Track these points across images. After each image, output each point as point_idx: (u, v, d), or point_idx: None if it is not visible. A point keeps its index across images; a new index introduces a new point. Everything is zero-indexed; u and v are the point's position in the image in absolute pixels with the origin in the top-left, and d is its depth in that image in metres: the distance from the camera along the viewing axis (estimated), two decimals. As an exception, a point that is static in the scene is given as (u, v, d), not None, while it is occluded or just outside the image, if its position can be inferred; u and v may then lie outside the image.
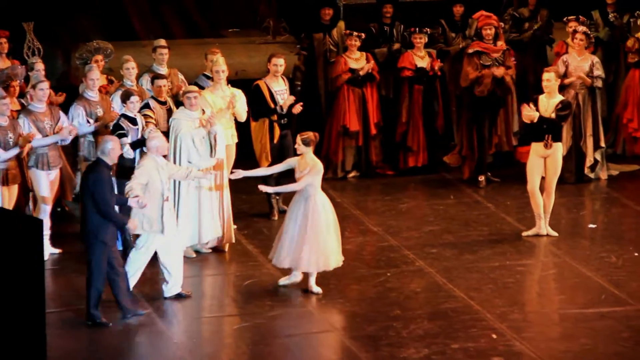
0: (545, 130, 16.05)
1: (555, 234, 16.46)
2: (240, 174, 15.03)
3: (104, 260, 14.31)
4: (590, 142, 18.61)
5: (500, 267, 15.80)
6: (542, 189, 16.36)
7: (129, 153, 16.07)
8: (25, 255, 11.48)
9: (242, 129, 17.22)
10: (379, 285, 15.44)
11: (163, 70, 17.46)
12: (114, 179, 15.76)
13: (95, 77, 16.67)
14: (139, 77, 17.41)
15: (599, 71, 18.61)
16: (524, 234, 16.58)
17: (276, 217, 17.48)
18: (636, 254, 16.05)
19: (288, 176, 15.31)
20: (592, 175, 18.72)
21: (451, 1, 19.92)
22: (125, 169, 15.99)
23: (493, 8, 19.82)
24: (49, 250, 16.04)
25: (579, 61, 18.56)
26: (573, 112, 16.83)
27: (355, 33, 18.76)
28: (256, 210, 17.77)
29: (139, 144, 16.09)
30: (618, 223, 17.22)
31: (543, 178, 16.39)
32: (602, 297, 14.87)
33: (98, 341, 14.14)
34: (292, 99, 17.15)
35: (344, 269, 15.70)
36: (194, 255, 16.19)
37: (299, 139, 14.78)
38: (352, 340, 14.08)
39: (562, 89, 18.44)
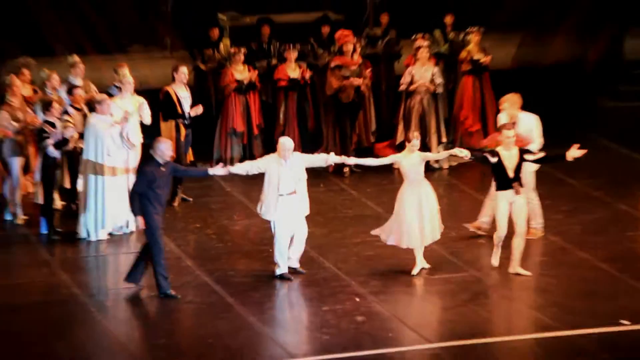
0: (512, 179, 14.76)
1: (527, 273, 14.94)
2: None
3: (159, 239, 14.13)
4: (434, 138, 18.78)
5: (362, 243, 15.93)
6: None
7: (52, 152, 16.06)
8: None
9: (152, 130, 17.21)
10: (263, 259, 15.45)
11: (78, 81, 17.38)
12: (39, 171, 15.85)
13: (16, 85, 16.62)
14: (58, 88, 17.32)
15: (439, 79, 18.76)
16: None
17: (177, 204, 17.45)
18: (466, 225, 16.24)
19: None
20: (436, 166, 18.78)
21: (319, 22, 19.94)
22: (48, 165, 16.12)
23: (352, 27, 19.80)
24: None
25: (423, 71, 18.67)
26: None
27: (240, 49, 18.74)
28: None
29: (60, 144, 16.07)
30: (457, 205, 17.41)
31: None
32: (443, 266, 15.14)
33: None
34: (199, 108, 17.25)
35: (233, 246, 15.77)
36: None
37: None
38: (242, 306, 14.10)
39: (409, 95, 18.69)
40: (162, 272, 14.23)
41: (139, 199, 14.06)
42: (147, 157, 14.45)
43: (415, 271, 14.91)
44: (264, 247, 15.84)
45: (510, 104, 15.91)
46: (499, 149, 14.77)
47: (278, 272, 14.77)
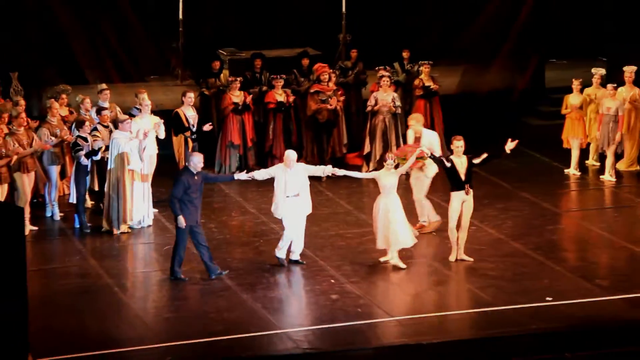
0: (465, 182, 14.55)
1: (470, 259, 14.71)
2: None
3: (185, 235, 13.95)
4: (394, 150, 18.49)
5: (336, 236, 15.74)
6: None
7: (84, 161, 15.88)
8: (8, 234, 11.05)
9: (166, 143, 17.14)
10: (255, 249, 15.33)
11: (106, 104, 17.22)
12: (73, 176, 15.66)
13: (55, 107, 16.55)
14: (89, 109, 17.22)
15: (398, 102, 18.62)
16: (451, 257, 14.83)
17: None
18: (425, 223, 16.00)
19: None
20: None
21: (300, 56, 19.78)
22: (80, 171, 15.98)
23: (328, 61, 19.79)
24: (29, 228, 15.74)
25: (385, 96, 18.53)
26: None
27: (237, 78, 18.60)
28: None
29: (90, 154, 15.92)
30: (411, 205, 17.05)
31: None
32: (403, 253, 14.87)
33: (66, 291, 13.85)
34: (209, 126, 17.17)
35: (231, 238, 15.54)
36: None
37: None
38: (237, 285, 14.00)
39: (374, 114, 18.49)
40: (179, 260, 14.09)
41: (178, 202, 13.92)
42: (183, 168, 14.43)
43: (383, 258, 14.61)
44: (256, 239, 15.71)
45: (415, 121, 15.80)
46: (452, 156, 14.59)
47: (277, 254, 14.58)
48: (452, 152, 14.67)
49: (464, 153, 14.62)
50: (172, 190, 14.04)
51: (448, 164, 14.53)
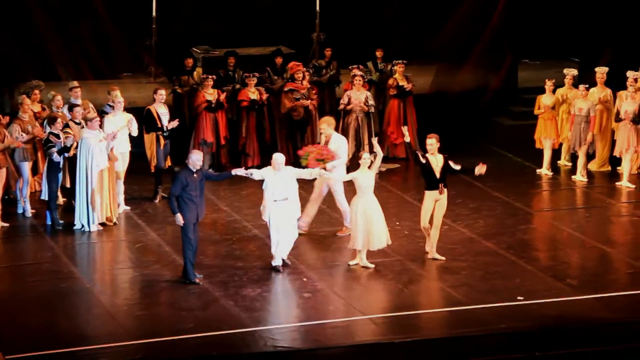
0: (439, 180, 14.54)
1: (442, 258, 14.69)
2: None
3: (189, 233, 13.79)
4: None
5: (309, 234, 15.61)
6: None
7: (56, 158, 15.81)
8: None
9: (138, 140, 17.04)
10: (228, 246, 15.28)
11: (77, 101, 17.15)
12: (45, 173, 15.60)
13: (26, 103, 16.42)
14: (62, 106, 17.13)
15: (371, 101, 18.60)
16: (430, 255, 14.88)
17: (157, 201, 17.11)
18: (397, 224, 16.04)
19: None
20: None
21: (274, 55, 19.74)
22: (52, 168, 15.89)
23: (302, 59, 19.78)
24: (0, 224, 15.67)
25: (358, 95, 18.52)
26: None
27: (210, 76, 18.54)
28: (144, 195, 17.41)
29: (62, 151, 15.85)
30: (384, 204, 16.99)
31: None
32: (376, 251, 14.83)
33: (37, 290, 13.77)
34: (176, 122, 16.97)
35: (203, 236, 15.48)
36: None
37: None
38: (210, 284, 13.94)
39: (347, 113, 18.48)
40: (190, 261, 13.91)
41: (176, 200, 13.79)
42: (183, 165, 14.27)
43: (352, 262, 14.54)
44: (228, 236, 15.65)
45: (327, 125, 15.55)
46: (427, 155, 14.55)
47: (273, 263, 14.36)
48: (426, 151, 14.66)
49: (441, 152, 14.60)
50: (171, 188, 13.92)
51: (423, 160, 14.49)
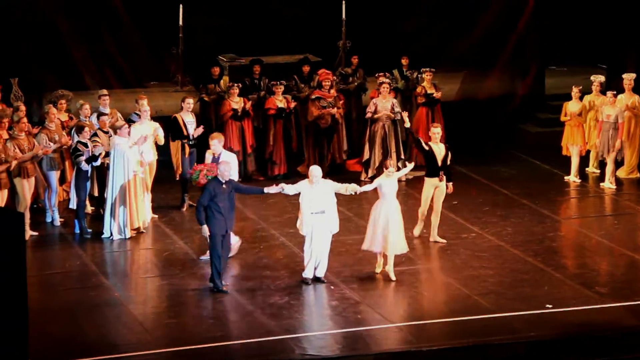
0: (440, 168, 15.29)
1: (443, 241, 15.41)
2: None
3: (217, 244, 13.75)
4: (394, 156, 18.56)
5: (335, 242, 15.40)
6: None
7: (84, 166, 15.89)
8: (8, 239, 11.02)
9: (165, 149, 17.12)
10: (255, 254, 15.29)
11: (106, 110, 17.23)
12: (73, 181, 15.65)
13: (53, 112, 16.53)
14: (89, 115, 17.21)
15: (398, 109, 18.60)
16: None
17: (184, 209, 17.17)
18: (424, 231, 15.95)
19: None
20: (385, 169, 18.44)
21: (301, 63, 19.77)
22: (80, 176, 15.98)
23: (328, 67, 19.82)
24: (29, 233, 15.76)
25: (384, 103, 18.53)
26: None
27: (235, 84, 18.60)
28: (170, 204, 17.48)
29: (90, 160, 15.92)
30: (409, 210, 16.71)
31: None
32: (403, 260, 14.82)
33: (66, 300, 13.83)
34: (200, 129, 17.01)
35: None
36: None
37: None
38: (237, 292, 13.99)
39: (373, 121, 18.48)
40: (217, 270, 13.87)
41: (204, 211, 13.74)
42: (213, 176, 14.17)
43: (378, 269, 14.53)
44: (255, 244, 15.67)
45: (218, 141, 15.31)
46: (430, 143, 15.27)
47: (303, 274, 14.29)
48: (430, 139, 15.48)
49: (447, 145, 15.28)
50: (199, 198, 13.88)
51: (426, 148, 15.34)
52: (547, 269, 14.71)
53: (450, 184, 15.53)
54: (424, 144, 15.38)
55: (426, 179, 15.41)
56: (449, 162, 15.48)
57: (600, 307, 13.54)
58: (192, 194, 17.17)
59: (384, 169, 14.74)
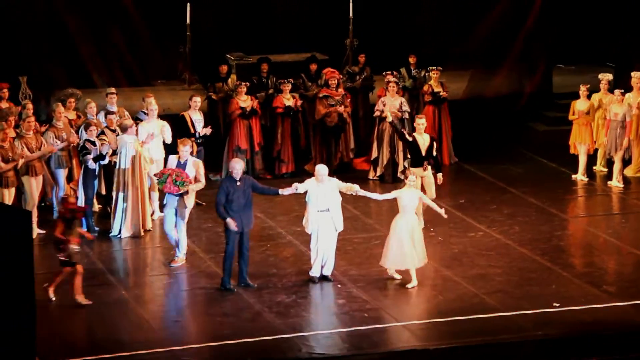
0: (424, 158, 15.82)
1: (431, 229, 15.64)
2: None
3: (230, 243, 13.75)
4: (401, 155, 18.58)
5: (343, 240, 15.39)
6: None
7: (92, 165, 15.89)
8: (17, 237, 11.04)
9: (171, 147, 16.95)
10: (262, 253, 15.27)
11: (113, 108, 17.23)
12: (81, 180, 15.66)
13: (60, 111, 16.52)
14: (97, 113, 17.20)
15: (405, 107, 18.60)
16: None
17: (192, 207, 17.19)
18: (432, 230, 15.96)
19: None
20: (403, 177, 18.56)
21: (308, 61, 19.77)
22: (88, 175, 15.99)
23: (335, 65, 19.82)
24: (36, 231, 15.75)
25: (392, 101, 18.51)
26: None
27: (243, 83, 18.61)
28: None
29: (98, 158, 15.93)
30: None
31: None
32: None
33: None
34: (209, 129, 17.04)
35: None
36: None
37: None
38: (244, 290, 13.97)
39: (381, 119, 18.47)
40: (227, 271, 13.86)
41: (222, 207, 13.74)
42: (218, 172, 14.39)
43: (410, 285, 14.11)
44: (262, 243, 15.65)
45: (188, 147, 15.01)
46: (415, 134, 15.75)
47: (310, 273, 14.28)
48: (414, 130, 15.96)
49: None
50: (216, 197, 13.86)
51: (410, 138, 15.85)
52: (555, 268, 14.69)
53: (440, 175, 15.79)
54: (407, 135, 15.99)
55: (411, 169, 15.59)
56: (434, 153, 15.88)
57: (608, 305, 13.53)
58: (201, 192, 17.14)
59: (404, 179, 14.63)
